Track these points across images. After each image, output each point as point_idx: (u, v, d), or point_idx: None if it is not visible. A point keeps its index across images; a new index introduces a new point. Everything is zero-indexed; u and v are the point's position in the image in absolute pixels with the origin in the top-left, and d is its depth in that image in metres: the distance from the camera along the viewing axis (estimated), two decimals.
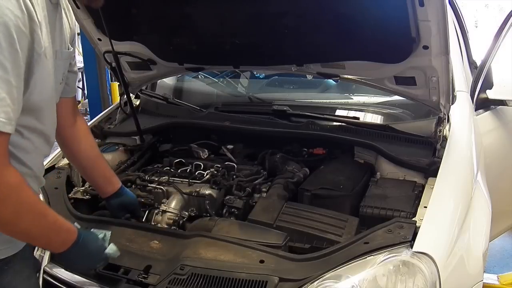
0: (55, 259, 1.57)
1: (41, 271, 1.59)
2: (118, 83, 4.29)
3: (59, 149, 2.09)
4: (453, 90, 2.18)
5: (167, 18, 2.11)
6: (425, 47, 1.78)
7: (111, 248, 1.47)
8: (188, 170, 2.15)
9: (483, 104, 2.53)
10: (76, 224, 1.40)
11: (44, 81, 1.19)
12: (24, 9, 1.03)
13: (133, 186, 2.09)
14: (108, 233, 1.49)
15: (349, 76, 2.20)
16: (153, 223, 1.90)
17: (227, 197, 1.95)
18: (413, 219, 1.62)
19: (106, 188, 1.77)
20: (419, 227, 1.56)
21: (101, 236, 1.46)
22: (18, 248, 1.26)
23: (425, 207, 1.66)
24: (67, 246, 1.27)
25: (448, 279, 1.47)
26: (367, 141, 2.08)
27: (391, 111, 2.57)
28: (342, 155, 2.19)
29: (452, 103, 2.07)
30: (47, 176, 1.94)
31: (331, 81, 2.86)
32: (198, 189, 1.98)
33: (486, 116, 2.55)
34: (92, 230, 1.49)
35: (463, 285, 1.64)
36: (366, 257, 1.48)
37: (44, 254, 1.66)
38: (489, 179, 2.18)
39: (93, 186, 1.84)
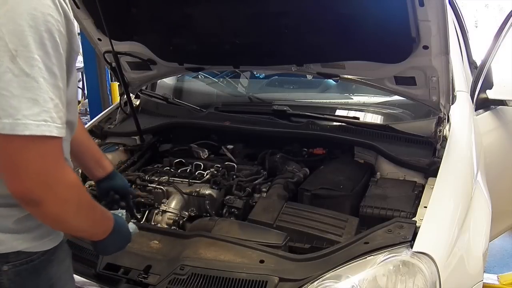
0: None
1: None
2: (118, 83, 4.28)
3: None
4: (453, 90, 2.18)
5: (167, 18, 2.11)
6: (425, 47, 1.78)
7: (131, 227, 1.45)
8: (188, 170, 2.15)
9: (483, 104, 2.53)
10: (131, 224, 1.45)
11: (75, 77, 1.22)
12: (61, 11, 1.04)
13: (133, 186, 2.10)
14: (124, 211, 1.49)
15: (349, 76, 2.20)
16: (153, 223, 1.90)
17: (227, 197, 1.95)
18: (413, 219, 1.62)
19: (97, 171, 1.71)
20: (419, 227, 1.56)
21: (123, 217, 1.46)
22: (61, 237, 1.27)
23: (425, 207, 1.66)
24: (107, 233, 1.28)
25: (448, 279, 1.47)
26: (367, 141, 2.08)
27: (391, 111, 2.57)
28: (342, 155, 2.19)
29: (452, 103, 2.06)
30: None
31: (331, 81, 2.86)
32: (198, 189, 1.98)
33: (486, 116, 2.55)
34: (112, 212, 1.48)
35: (463, 285, 1.64)
36: (366, 257, 1.47)
37: None
38: (489, 179, 2.18)
39: (85, 170, 1.79)
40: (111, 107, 2.75)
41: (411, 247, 1.48)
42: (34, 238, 1.15)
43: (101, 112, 2.73)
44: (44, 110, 0.98)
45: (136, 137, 2.46)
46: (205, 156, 2.27)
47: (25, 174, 1.01)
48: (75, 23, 1.24)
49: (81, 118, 6.99)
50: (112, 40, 2.13)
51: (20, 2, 0.97)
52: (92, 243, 1.31)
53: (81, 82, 6.76)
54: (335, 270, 1.46)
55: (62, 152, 1.07)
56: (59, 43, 1.03)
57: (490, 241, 1.98)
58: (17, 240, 1.13)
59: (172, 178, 2.08)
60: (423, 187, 1.84)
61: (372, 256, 1.47)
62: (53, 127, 1.00)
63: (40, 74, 0.98)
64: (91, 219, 1.21)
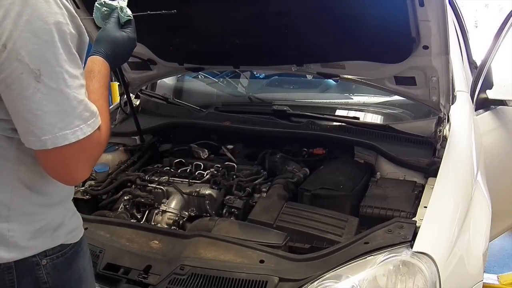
0: None
1: None
2: (118, 83, 4.28)
3: None
4: (453, 90, 2.18)
5: (167, 18, 2.11)
6: (425, 47, 1.78)
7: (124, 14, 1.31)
8: (188, 170, 2.16)
9: (483, 104, 2.53)
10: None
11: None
12: (65, 11, 1.04)
13: (133, 186, 2.10)
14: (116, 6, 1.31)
15: (349, 76, 2.20)
16: (153, 223, 1.90)
17: (227, 197, 1.95)
18: (413, 219, 1.62)
19: None
20: (419, 227, 1.56)
21: (114, 21, 1.31)
22: (83, 229, 1.29)
23: (425, 207, 1.66)
24: (109, 72, 1.26)
25: (448, 279, 1.47)
26: (367, 141, 2.08)
27: (391, 111, 2.57)
28: (342, 155, 2.19)
29: (452, 103, 2.06)
30: None
31: (331, 81, 2.86)
32: (198, 189, 1.98)
33: (486, 116, 2.55)
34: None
35: (463, 285, 1.64)
36: (366, 257, 1.47)
37: None
38: (489, 179, 2.18)
39: None
40: (111, 107, 2.75)
41: (411, 247, 1.48)
42: (67, 232, 1.19)
43: None
44: (75, 116, 1.03)
45: (136, 137, 2.46)
46: (205, 156, 2.28)
47: (76, 173, 1.09)
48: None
49: None
50: None
51: (32, 20, 0.97)
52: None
53: None
54: (335, 270, 1.46)
55: (99, 135, 1.10)
56: (71, 45, 1.04)
57: (490, 241, 1.98)
58: (56, 237, 1.16)
59: (172, 178, 2.08)
60: (423, 187, 1.84)
61: (372, 256, 1.47)
62: (86, 128, 1.04)
63: (64, 84, 1.01)
64: (108, 101, 1.22)
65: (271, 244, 1.63)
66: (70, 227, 1.20)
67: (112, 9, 1.31)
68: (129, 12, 1.33)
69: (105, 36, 1.30)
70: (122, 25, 1.32)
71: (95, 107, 1.08)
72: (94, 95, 1.13)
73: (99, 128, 1.08)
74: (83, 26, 1.12)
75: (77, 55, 1.07)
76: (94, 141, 1.08)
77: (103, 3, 1.33)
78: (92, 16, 1.37)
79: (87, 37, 1.15)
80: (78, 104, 1.03)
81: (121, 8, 1.31)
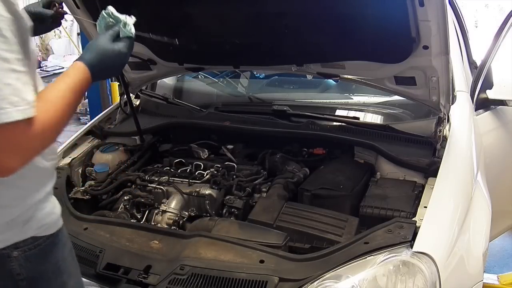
0: None
1: None
2: (118, 83, 4.28)
3: (58, 150, 2.10)
4: (453, 90, 2.18)
5: (167, 18, 2.11)
6: (425, 47, 1.78)
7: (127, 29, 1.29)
8: (188, 170, 2.16)
9: (483, 104, 2.53)
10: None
11: (33, 52, 1.18)
12: None
13: (133, 186, 2.10)
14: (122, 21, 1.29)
15: (349, 76, 2.20)
16: (153, 223, 1.90)
17: (227, 197, 1.95)
18: (413, 219, 1.62)
19: None
20: (419, 227, 1.56)
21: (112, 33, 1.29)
22: (62, 221, 1.27)
23: (425, 207, 1.66)
24: (89, 80, 1.21)
25: (448, 279, 1.47)
26: (367, 141, 2.08)
27: (391, 111, 2.57)
28: (342, 155, 2.19)
29: (452, 103, 2.07)
30: None
31: (331, 81, 2.86)
32: (198, 189, 1.98)
33: (486, 116, 2.55)
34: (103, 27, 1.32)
35: (463, 285, 1.65)
36: (366, 257, 1.48)
37: None
38: (489, 179, 2.18)
39: None
40: (111, 107, 2.75)
41: (411, 247, 1.48)
42: (40, 225, 1.18)
43: (101, 112, 2.73)
44: (1, 98, 0.99)
45: (136, 137, 2.46)
46: (205, 156, 2.28)
47: (0, 162, 1.03)
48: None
49: (81, 118, 6.96)
50: None
51: None
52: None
53: None
54: (335, 270, 1.46)
55: (33, 127, 1.06)
56: (3, 28, 1.01)
57: (490, 241, 1.98)
58: (27, 229, 1.15)
59: (172, 178, 2.08)
60: (423, 187, 1.84)
61: (372, 256, 1.48)
62: (14, 113, 1.00)
63: None
64: (72, 106, 1.16)
65: (271, 244, 1.63)
66: (43, 220, 1.19)
67: (117, 21, 1.30)
68: (132, 30, 1.31)
69: (95, 45, 1.27)
70: (119, 38, 1.30)
71: (32, 97, 1.04)
72: (55, 93, 1.12)
73: (34, 119, 1.04)
74: (19, 12, 1.09)
75: (12, 39, 1.03)
76: (26, 131, 1.03)
77: (111, 13, 1.31)
78: (96, 21, 1.35)
79: (27, 24, 1.12)
80: (4, 87, 0.99)
81: (125, 23, 1.30)
